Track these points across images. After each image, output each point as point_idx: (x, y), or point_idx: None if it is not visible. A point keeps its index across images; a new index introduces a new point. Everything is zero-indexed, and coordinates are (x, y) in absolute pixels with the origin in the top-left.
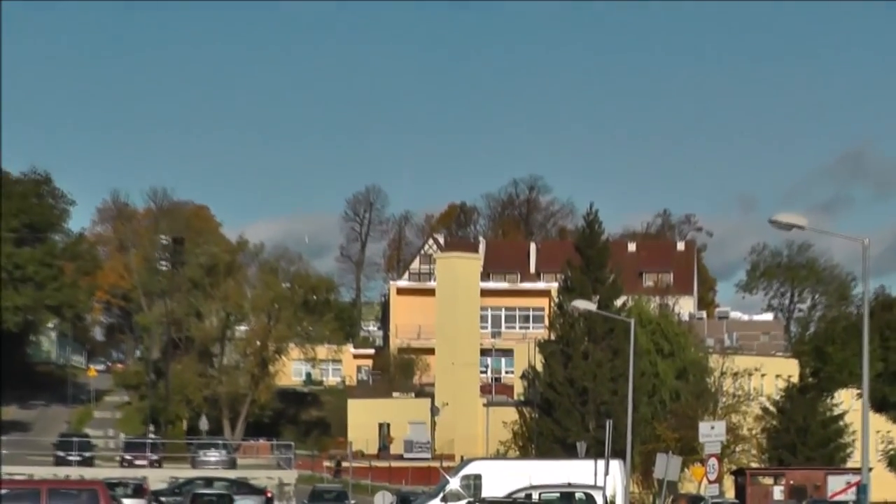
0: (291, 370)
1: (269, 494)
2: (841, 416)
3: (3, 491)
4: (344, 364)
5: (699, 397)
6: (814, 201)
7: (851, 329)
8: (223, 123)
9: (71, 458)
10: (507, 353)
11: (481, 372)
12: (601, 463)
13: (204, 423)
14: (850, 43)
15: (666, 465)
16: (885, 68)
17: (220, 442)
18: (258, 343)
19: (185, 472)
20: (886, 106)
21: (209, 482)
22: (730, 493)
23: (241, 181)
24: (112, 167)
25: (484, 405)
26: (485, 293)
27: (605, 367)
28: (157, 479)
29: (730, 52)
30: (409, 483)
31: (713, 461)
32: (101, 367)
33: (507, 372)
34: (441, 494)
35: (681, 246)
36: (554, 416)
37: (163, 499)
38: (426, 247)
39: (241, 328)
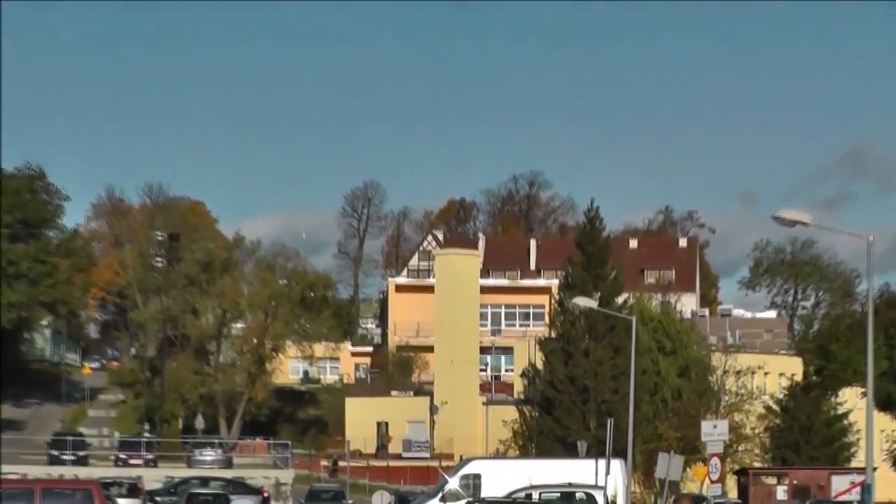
0: (288, 368)
1: (266, 494)
2: (845, 415)
3: None
4: (342, 362)
5: (701, 396)
6: (817, 198)
7: (856, 327)
8: (220, 118)
9: (65, 457)
10: (507, 350)
11: (481, 370)
12: (602, 462)
13: (200, 422)
14: (853, 39)
15: (668, 465)
16: (889, 64)
17: (216, 441)
18: (255, 341)
19: (180, 472)
20: (890, 102)
21: (205, 482)
22: (732, 493)
23: (237, 177)
24: (107, 162)
25: (483, 404)
26: (484, 290)
27: (607, 366)
28: (153, 478)
29: (732, 47)
30: (408, 483)
31: (715, 461)
32: (95, 364)
33: (506, 370)
34: (440, 494)
35: (683, 242)
36: (554, 415)
37: (158, 499)
38: (425, 243)
39: (238, 325)
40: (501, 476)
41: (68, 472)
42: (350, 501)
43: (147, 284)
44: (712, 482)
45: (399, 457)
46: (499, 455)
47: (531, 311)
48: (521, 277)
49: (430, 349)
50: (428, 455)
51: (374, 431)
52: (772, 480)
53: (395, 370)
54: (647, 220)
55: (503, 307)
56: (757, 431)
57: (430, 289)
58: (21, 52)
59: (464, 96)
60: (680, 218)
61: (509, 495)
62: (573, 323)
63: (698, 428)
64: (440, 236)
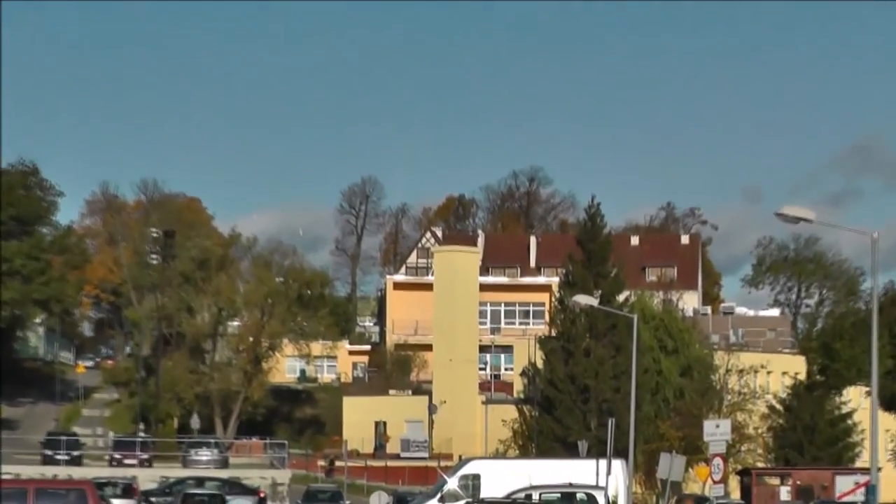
0: (285, 367)
1: (262, 494)
2: (849, 415)
3: None
4: (339, 361)
5: (704, 395)
6: (821, 194)
7: (860, 325)
8: (215, 114)
9: (59, 457)
10: (507, 349)
11: (480, 369)
12: (603, 462)
13: (195, 422)
14: (858, 33)
15: (669, 465)
16: (894, 59)
17: (211, 440)
18: (251, 339)
19: (175, 472)
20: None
21: (200, 482)
22: (735, 494)
23: (233, 173)
24: (101, 158)
25: (483, 403)
26: (484, 288)
27: (608, 364)
28: (147, 478)
29: (735, 43)
30: (406, 483)
31: (718, 461)
32: (89, 363)
33: (506, 369)
34: (439, 495)
35: (685, 239)
36: (555, 415)
37: (153, 499)
38: (423, 240)
39: (234, 324)
40: (501, 476)
41: (62, 472)
42: (347, 502)
43: (142, 282)
44: (715, 483)
45: (397, 457)
46: (498, 455)
47: (531, 309)
48: (521, 275)
49: (428, 348)
50: (426, 455)
51: (371, 431)
52: (775, 481)
53: (393, 369)
54: (649, 216)
55: (503, 305)
56: (760, 431)
57: (428, 286)
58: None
59: (463, 92)
60: (682, 214)
61: (509, 496)
62: (574, 321)
63: (700, 428)
64: (439, 233)
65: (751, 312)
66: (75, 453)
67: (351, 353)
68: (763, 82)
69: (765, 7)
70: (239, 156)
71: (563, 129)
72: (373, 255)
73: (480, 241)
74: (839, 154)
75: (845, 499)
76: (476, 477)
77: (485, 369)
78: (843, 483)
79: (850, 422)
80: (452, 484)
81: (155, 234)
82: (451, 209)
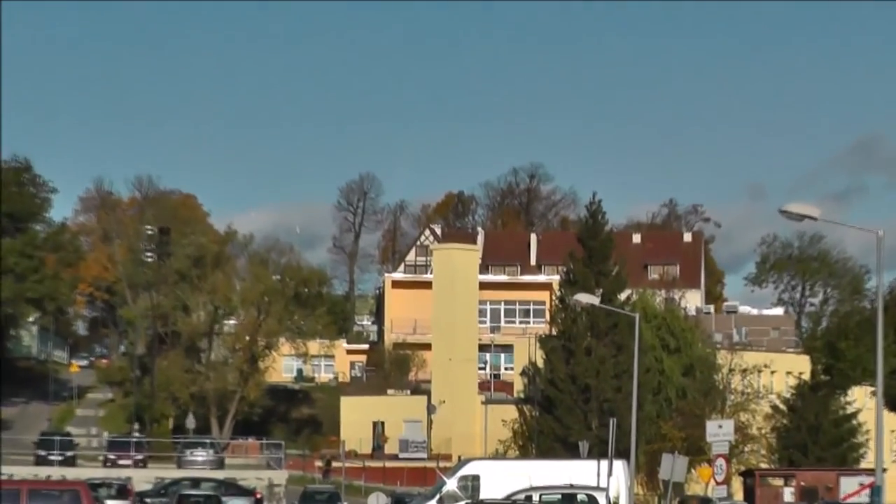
0: (282, 366)
1: (259, 496)
2: (854, 415)
3: None
4: (336, 360)
5: (706, 395)
6: (826, 190)
7: (865, 324)
8: (211, 110)
9: (52, 457)
10: (507, 348)
11: (480, 368)
12: (604, 463)
13: (191, 422)
14: (863, 29)
15: (672, 466)
16: None
17: (207, 441)
18: (247, 338)
19: (170, 473)
20: None
21: (196, 483)
22: (738, 495)
23: (229, 169)
24: (96, 154)
25: (482, 403)
26: (483, 286)
27: (609, 364)
28: (142, 479)
29: (739, 39)
30: (405, 484)
31: (721, 462)
32: (83, 362)
33: (506, 368)
34: (437, 496)
35: (687, 237)
36: (555, 415)
37: (148, 500)
38: (422, 238)
39: (230, 322)
40: (501, 477)
41: (55, 472)
42: (345, 503)
43: (136, 280)
44: (717, 484)
45: (395, 457)
46: (498, 456)
47: (531, 307)
48: (522, 273)
49: (427, 347)
50: (425, 456)
51: (369, 431)
52: (778, 482)
53: (391, 368)
54: (651, 213)
55: (503, 303)
56: (763, 432)
57: (427, 285)
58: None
59: (462, 88)
60: (684, 212)
61: (509, 497)
62: (574, 320)
63: (703, 428)
64: (438, 231)
65: (754, 311)
66: (69, 454)
67: (349, 352)
68: (767, 78)
69: (768, 5)
70: (235, 152)
71: (564, 125)
72: (371, 253)
73: (480, 238)
74: (844, 150)
75: (850, 500)
76: (475, 478)
77: (484, 369)
78: (848, 484)
79: (854, 422)
80: (451, 485)
81: (150, 232)
82: (450, 206)
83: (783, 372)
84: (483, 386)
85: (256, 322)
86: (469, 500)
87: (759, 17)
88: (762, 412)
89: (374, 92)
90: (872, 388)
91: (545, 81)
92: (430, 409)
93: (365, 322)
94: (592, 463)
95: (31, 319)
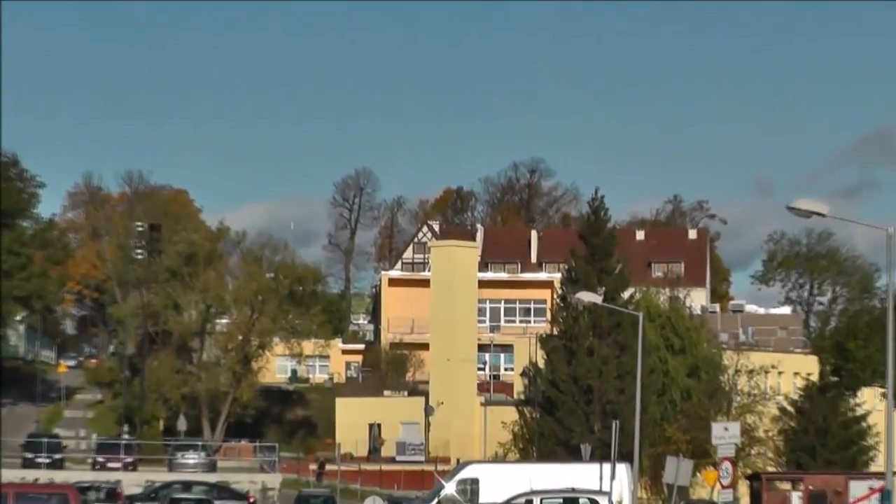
0: (276, 367)
1: (252, 499)
2: (864, 417)
3: None
4: (332, 360)
5: (712, 396)
6: (835, 186)
7: (875, 324)
8: (203, 104)
9: (40, 460)
10: (507, 348)
11: (479, 369)
12: (607, 466)
13: (182, 423)
14: (872, 20)
15: (676, 469)
16: None
17: (199, 443)
18: (240, 337)
19: (161, 476)
20: None
21: (187, 486)
22: (745, 500)
23: (222, 164)
24: (84, 148)
25: (482, 404)
26: (483, 284)
27: (612, 364)
28: (132, 482)
29: (746, 32)
30: (402, 488)
31: (727, 465)
32: (72, 362)
33: (506, 369)
34: (435, 500)
35: (692, 234)
36: (556, 416)
37: None
38: (420, 234)
39: (222, 321)
40: (500, 481)
41: (43, 475)
42: None
43: (126, 278)
44: (723, 488)
45: (392, 460)
46: (498, 459)
47: (532, 306)
48: (522, 271)
49: (425, 346)
50: (423, 458)
51: (365, 433)
52: (786, 486)
53: (388, 369)
54: (655, 210)
55: (503, 302)
56: (770, 434)
57: (425, 283)
58: None
59: (462, 84)
60: (689, 208)
61: (509, 501)
62: (576, 319)
63: (708, 430)
64: (436, 227)
65: (761, 310)
66: (57, 456)
67: (344, 352)
68: (774, 72)
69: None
70: (228, 147)
71: (567, 121)
72: (367, 250)
73: (479, 235)
74: (853, 145)
75: None
76: (474, 481)
77: (484, 369)
78: (857, 488)
79: (864, 424)
80: (450, 489)
81: (140, 228)
82: (448, 202)
83: (791, 373)
84: (482, 387)
85: (249, 321)
86: None
87: (764, 12)
88: (769, 414)
89: (371, 87)
90: (882, 390)
91: (546, 77)
92: (428, 410)
93: (361, 321)
94: (595, 466)
95: (18, 318)
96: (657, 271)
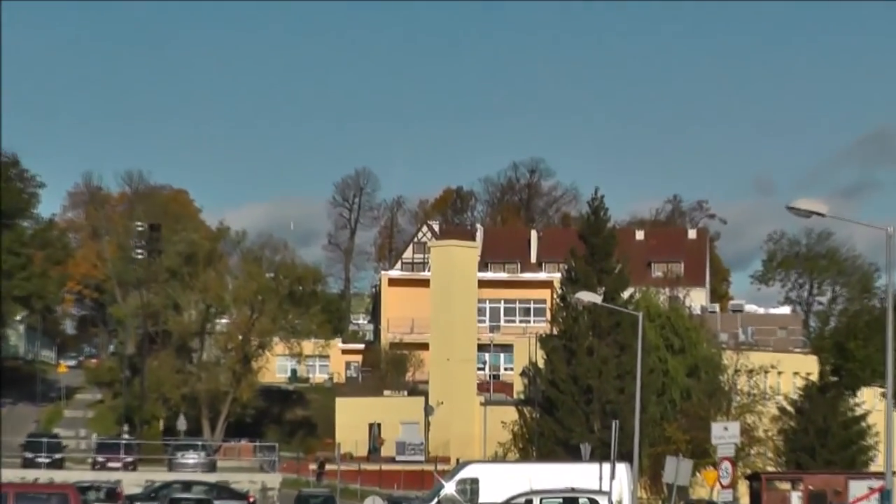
0: (276, 366)
1: (252, 499)
2: (863, 417)
3: None
4: (331, 360)
5: (712, 396)
6: (835, 186)
7: (875, 324)
8: (202, 103)
9: (40, 459)
10: (507, 348)
11: (479, 369)
12: (607, 466)
13: (182, 423)
14: (872, 20)
15: (676, 469)
16: None
17: (199, 443)
18: (240, 337)
19: (161, 476)
20: None
21: (187, 486)
22: (744, 500)
23: (222, 164)
24: (84, 148)
25: (481, 404)
26: (483, 284)
27: (611, 364)
28: (132, 482)
29: (746, 32)
30: (402, 487)
31: (726, 465)
32: (72, 362)
33: (506, 369)
34: (435, 500)
35: (692, 234)
36: (556, 416)
37: None
38: (420, 234)
39: (222, 321)
40: (500, 480)
41: (43, 475)
42: None
43: (126, 278)
44: (723, 487)
45: (392, 460)
46: (497, 458)
47: (532, 306)
48: (522, 271)
49: (424, 346)
50: (422, 458)
51: (365, 433)
52: (786, 486)
53: (387, 368)
54: (655, 210)
55: (502, 302)
56: (770, 434)
57: (425, 283)
58: None
59: (462, 84)
60: (689, 208)
61: (508, 501)
62: (576, 319)
63: (708, 430)
64: (436, 227)
65: (761, 310)
66: (57, 456)
67: (344, 352)
68: (774, 70)
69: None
70: (228, 147)
71: (566, 120)
72: (367, 250)
73: (479, 235)
74: (853, 144)
75: None
76: (474, 481)
77: (483, 369)
78: (857, 488)
79: (864, 424)
80: (450, 489)
81: (140, 228)
82: (448, 202)
83: (790, 373)
84: (482, 387)
85: (249, 321)
86: None
87: (764, 12)
88: (769, 414)
89: (371, 87)
90: (882, 390)
91: (546, 77)
92: (428, 410)
93: (361, 321)
94: (594, 466)
95: (18, 318)
96: (657, 271)
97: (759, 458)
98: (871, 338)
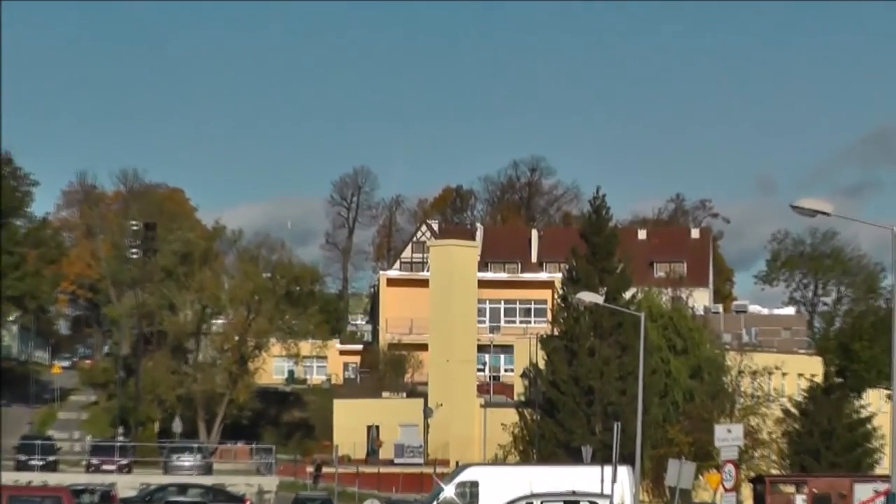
0: (272, 368)
1: (248, 502)
2: (869, 419)
3: None
4: (329, 361)
5: (715, 398)
6: (840, 184)
7: (880, 324)
8: (199, 102)
9: (33, 462)
10: (507, 349)
11: (478, 370)
12: (608, 469)
13: (177, 425)
14: (872, 20)
15: (679, 472)
16: None
17: (194, 445)
18: (236, 338)
19: (156, 478)
20: None
21: (183, 489)
22: (748, 503)
23: (218, 162)
24: (79, 147)
25: (481, 406)
26: (483, 284)
27: (613, 365)
28: (127, 485)
29: (749, 30)
30: (400, 490)
31: (730, 467)
32: (66, 363)
33: (506, 370)
34: (435, 503)
35: (695, 233)
36: (557, 418)
37: None
38: (419, 234)
39: (218, 322)
40: (500, 483)
41: (37, 478)
42: None
43: (121, 277)
44: (726, 490)
45: (391, 463)
46: (497, 461)
47: (532, 306)
48: (522, 271)
49: (424, 347)
50: (421, 461)
51: (363, 435)
52: (790, 489)
53: (386, 370)
54: (657, 209)
55: (502, 302)
56: (774, 436)
57: (424, 282)
58: None
59: (462, 82)
60: (692, 207)
61: None
62: (577, 319)
63: (711, 432)
64: (435, 226)
65: (765, 311)
66: (51, 458)
67: (342, 353)
68: (777, 69)
69: None
70: (224, 145)
71: (566, 120)
72: (365, 250)
73: (479, 234)
74: (855, 144)
75: None
76: (474, 484)
77: (483, 370)
78: (862, 491)
79: (869, 426)
80: (449, 491)
81: (135, 227)
82: (448, 201)
83: (795, 374)
84: (482, 388)
85: (246, 321)
86: None
87: (764, 12)
88: (773, 416)
89: (371, 87)
90: (888, 391)
91: (546, 77)
92: (427, 412)
93: (359, 321)
94: (596, 469)
95: (11, 318)
96: (659, 271)
97: (762, 461)
98: (877, 339)
